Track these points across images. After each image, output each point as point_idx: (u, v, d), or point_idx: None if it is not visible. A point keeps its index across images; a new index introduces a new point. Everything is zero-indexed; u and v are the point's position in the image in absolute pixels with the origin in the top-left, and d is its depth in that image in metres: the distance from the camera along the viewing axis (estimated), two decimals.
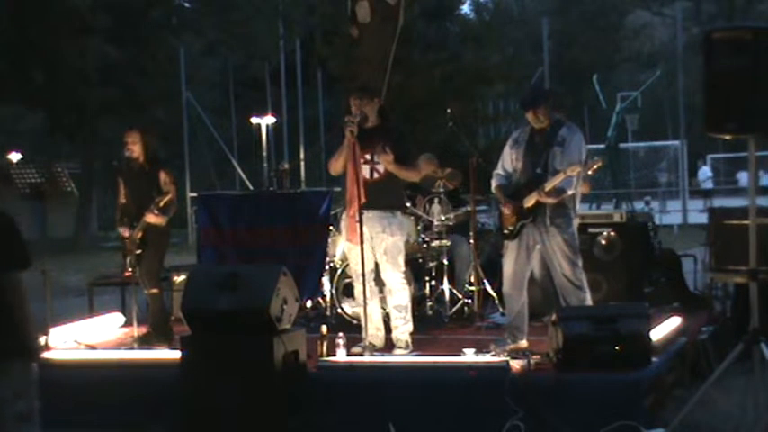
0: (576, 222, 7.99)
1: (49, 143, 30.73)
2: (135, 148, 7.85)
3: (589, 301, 7.05)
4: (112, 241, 25.90)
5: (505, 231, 7.09)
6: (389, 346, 7.31)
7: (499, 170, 7.19)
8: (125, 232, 7.85)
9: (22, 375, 4.56)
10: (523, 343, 7.02)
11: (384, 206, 7.16)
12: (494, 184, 7.22)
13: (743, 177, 38.16)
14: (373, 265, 7.30)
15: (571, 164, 6.85)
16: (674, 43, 32.18)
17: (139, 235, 7.75)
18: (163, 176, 7.84)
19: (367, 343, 6.90)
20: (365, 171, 7.15)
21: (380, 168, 7.18)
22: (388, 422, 6.01)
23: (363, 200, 6.98)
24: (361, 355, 6.81)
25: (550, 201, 6.86)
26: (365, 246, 7.09)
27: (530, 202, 6.92)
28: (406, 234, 7.53)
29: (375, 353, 6.97)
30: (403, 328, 7.26)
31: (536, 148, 7.02)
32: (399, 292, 7.26)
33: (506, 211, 7.02)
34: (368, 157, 7.18)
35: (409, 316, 7.32)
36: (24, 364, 4.58)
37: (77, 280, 14.04)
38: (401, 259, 7.27)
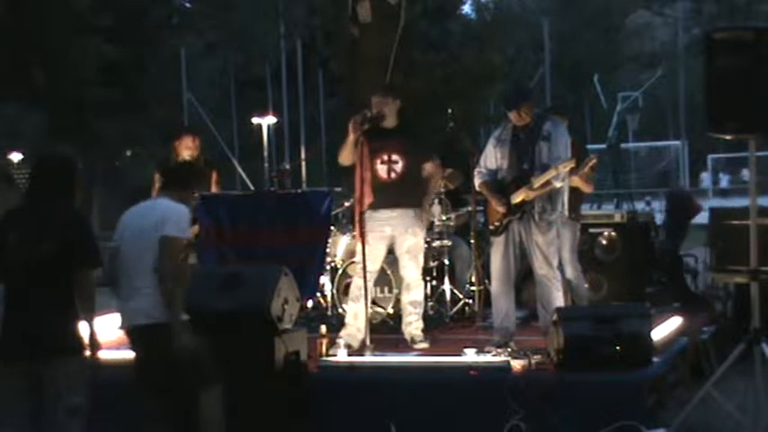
0: (577, 225, 8.04)
1: (49, 143, 30.74)
2: (196, 153, 7.98)
3: (560, 300, 7.03)
4: (113, 241, 25.82)
5: (491, 227, 7.11)
6: (402, 344, 7.36)
7: (481, 168, 7.19)
8: None
9: (78, 371, 4.73)
10: (512, 345, 6.98)
11: (408, 204, 7.33)
12: (477, 181, 7.23)
13: (705, 178, 38.55)
14: (380, 265, 7.46)
15: (558, 158, 6.86)
16: (675, 43, 32.20)
17: (194, 233, 7.86)
18: (215, 176, 8.18)
19: (344, 343, 6.89)
20: (383, 171, 7.31)
21: (398, 168, 7.32)
22: (389, 422, 6.02)
23: (370, 199, 7.21)
24: (335, 355, 6.80)
25: (535, 195, 6.86)
26: (381, 244, 7.31)
27: (517, 198, 6.91)
28: (425, 231, 7.74)
29: (351, 354, 6.93)
30: (416, 324, 7.42)
31: (521, 144, 7.01)
32: (417, 289, 7.45)
33: (495, 206, 7.02)
34: (385, 156, 7.32)
35: (422, 312, 7.51)
36: (80, 360, 4.76)
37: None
38: (421, 257, 7.50)
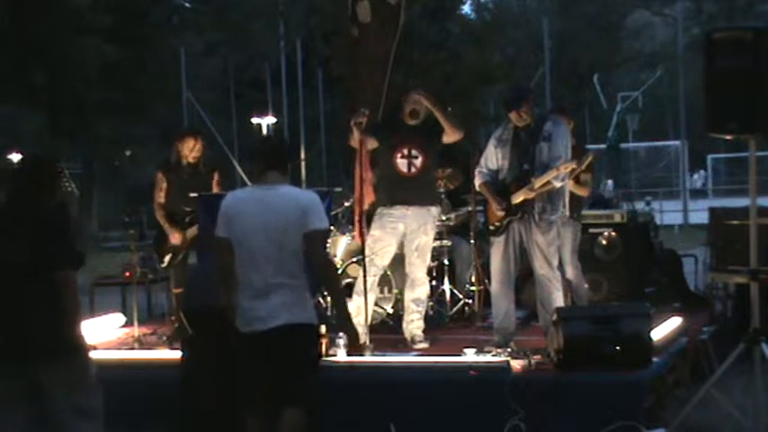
0: (577, 225, 8.06)
1: (49, 143, 30.77)
2: (198, 154, 8.00)
3: (560, 300, 7.03)
4: (113, 241, 25.91)
5: (491, 227, 7.12)
6: (401, 344, 7.37)
7: (482, 168, 7.19)
8: (176, 239, 7.93)
9: (78, 370, 4.71)
10: (512, 345, 6.98)
11: (423, 202, 7.40)
12: (478, 181, 7.24)
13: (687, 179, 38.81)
14: (389, 260, 7.50)
15: (558, 158, 6.86)
16: (674, 43, 32.18)
17: (193, 234, 7.82)
18: (217, 177, 8.13)
19: (344, 342, 6.88)
20: (403, 165, 7.37)
21: (417, 163, 7.38)
22: (389, 422, 6.01)
23: (371, 198, 7.31)
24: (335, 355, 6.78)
25: (535, 195, 6.87)
26: (392, 239, 7.36)
27: (518, 198, 6.92)
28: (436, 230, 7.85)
29: (351, 353, 6.90)
30: (418, 323, 7.46)
31: (522, 144, 7.01)
32: (421, 287, 7.49)
33: (494, 209, 7.03)
34: (405, 151, 7.37)
35: (424, 311, 7.55)
36: (78, 360, 4.74)
37: (78, 280, 14.02)
38: (428, 256, 7.55)
